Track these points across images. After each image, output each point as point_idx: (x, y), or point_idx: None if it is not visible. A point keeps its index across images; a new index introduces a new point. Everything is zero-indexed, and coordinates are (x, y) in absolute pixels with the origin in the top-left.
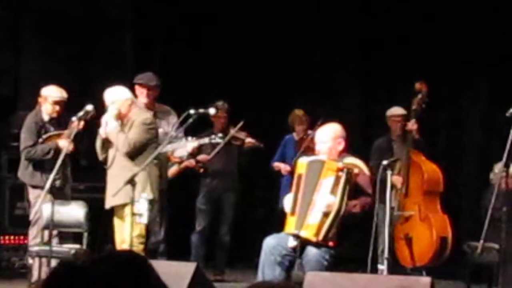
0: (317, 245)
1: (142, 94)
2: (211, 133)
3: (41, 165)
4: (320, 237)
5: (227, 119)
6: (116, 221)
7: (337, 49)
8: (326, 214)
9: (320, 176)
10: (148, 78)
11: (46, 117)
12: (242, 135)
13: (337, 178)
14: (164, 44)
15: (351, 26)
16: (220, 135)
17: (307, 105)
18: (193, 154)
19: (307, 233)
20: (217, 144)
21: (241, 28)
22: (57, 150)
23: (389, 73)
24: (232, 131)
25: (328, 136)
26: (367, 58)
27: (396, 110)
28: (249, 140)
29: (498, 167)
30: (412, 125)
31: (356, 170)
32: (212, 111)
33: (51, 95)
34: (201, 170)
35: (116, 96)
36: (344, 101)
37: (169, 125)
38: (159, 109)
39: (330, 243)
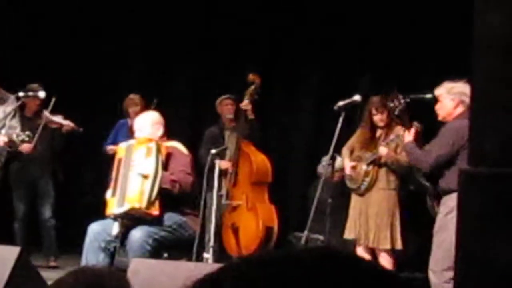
0: (142, 225)
1: None
2: (22, 116)
3: None
4: (144, 203)
5: (40, 101)
6: None
7: (174, 41)
8: (145, 177)
9: (132, 153)
10: None
11: None
12: (58, 118)
13: (148, 149)
14: None
15: (186, 19)
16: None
17: (141, 93)
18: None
19: (130, 203)
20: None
21: (78, 14)
22: None
23: (221, 66)
24: (46, 113)
25: (146, 123)
26: (202, 49)
27: (225, 96)
28: (67, 123)
29: (326, 160)
30: (247, 104)
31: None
32: (42, 94)
33: None
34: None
35: None
36: (176, 92)
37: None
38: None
39: (155, 212)
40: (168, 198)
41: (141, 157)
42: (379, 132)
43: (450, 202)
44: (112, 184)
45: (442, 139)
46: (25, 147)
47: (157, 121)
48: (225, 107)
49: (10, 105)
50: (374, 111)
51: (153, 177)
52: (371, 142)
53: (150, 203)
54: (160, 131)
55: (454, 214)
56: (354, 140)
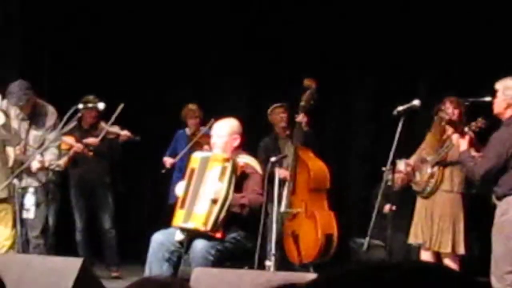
0: (204, 237)
1: (17, 110)
2: (79, 127)
3: None
4: (209, 226)
5: (97, 112)
6: None
7: (226, 48)
8: (214, 201)
9: (206, 168)
10: (17, 97)
11: None
12: (115, 128)
13: (224, 168)
14: (53, 40)
15: (240, 25)
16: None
17: (197, 102)
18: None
19: (195, 223)
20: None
21: (131, 27)
22: None
23: (277, 72)
24: (103, 124)
25: (225, 130)
26: (256, 57)
27: (276, 104)
28: (124, 133)
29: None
30: (302, 117)
31: (241, 163)
32: (101, 105)
33: None
34: (91, 154)
35: None
36: (232, 99)
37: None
38: (40, 108)
39: (218, 235)
40: (235, 218)
41: (214, 177)
42: (446, 135)
43: (503, 205)
44: (182, 194)
45: (490, 151)
46: (91, 140)
47: (236, 131)
48: (277, 116)
49: (50, 118)
50: (448, 105)
51: (223, 201)
52: (438, 144)
53: (215, 227)
54: (236, 142)
55: (507, 217)
56: (423, 147)
